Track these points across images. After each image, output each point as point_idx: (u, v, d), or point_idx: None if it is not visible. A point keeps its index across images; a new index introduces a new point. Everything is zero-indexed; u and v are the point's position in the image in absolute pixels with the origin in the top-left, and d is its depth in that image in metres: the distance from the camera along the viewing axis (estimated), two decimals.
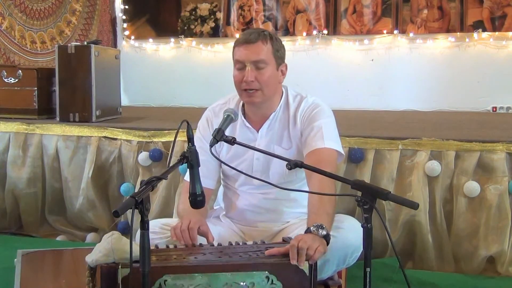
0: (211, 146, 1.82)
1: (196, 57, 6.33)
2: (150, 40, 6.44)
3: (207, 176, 2.15)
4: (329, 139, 2.07)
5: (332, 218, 1.93)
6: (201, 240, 1.97)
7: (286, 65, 2.15)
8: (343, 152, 2.15)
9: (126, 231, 3.10)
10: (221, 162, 2.04)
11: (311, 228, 1.77)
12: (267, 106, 2.14)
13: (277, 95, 2.17)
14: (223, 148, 2.19)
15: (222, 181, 2.36)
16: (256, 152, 2.12)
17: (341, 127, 3.06)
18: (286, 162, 1.71)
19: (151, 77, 6.35)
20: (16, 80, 3.75)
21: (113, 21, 6.46)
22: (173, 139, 2.10)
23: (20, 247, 2.37)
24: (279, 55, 2.10)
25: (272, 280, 1.68)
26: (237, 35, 6.09)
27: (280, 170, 2.12)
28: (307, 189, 2.04)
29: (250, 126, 2.17)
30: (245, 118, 2.18)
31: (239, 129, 2.16)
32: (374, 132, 3.17)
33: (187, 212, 1.98)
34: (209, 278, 1.65)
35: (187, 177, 2.19)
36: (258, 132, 2.17)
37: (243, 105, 2.20)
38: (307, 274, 1.69)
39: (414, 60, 5.74)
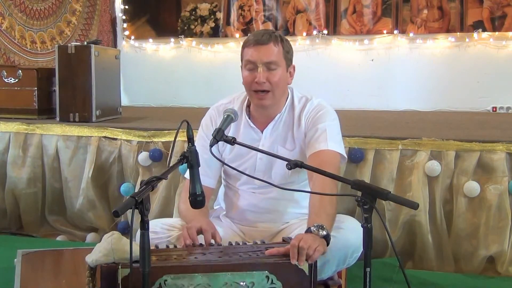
0: (211, 146, 1.83)
1: (196, 57, 6.33)
2: (150, 40, 6.44)
3: (209, 175, 2.15)
4: (332, 142, 2.07)
5: (333, 219, 1.93)
6: (201, 240, 1.97)
7: (294, 66, 2.15)
8: (345, 155, 2.15)
9: (126, 231, 3.10)
10: (222, 162, 2.04)
11: (312, 228, 1.77)
12: (274, 107, 2.14)
13: (283, 97, 2.17)
14: (226, 147, 2.18)
15: (223, 181, 2.36)
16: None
17: (341, 127, 3.08)
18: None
19: (151, 77, 6.35)
20: (16, 80, 3.75)
21: (113, 21, 6.46)
22: (173, 139, 2.10)
23: (20, 247, 2.37)
24: (289, 56, 2.10)
25: (272, 280, 1.68)
26: (237, 35, 6.09)
27: (282, 170, 2.12)
28: (308, 190, 2.04)
29: (254, 126, 2.17)
30: (249, 118, 2.18)
31: (243, 129, 2.16)
32: (374, 132, 3.17)
33: (193, 213, 1.97)
34: (209, 278, 1.65)
35: (187, 175, 2.20)
36: (262, 132, 2.17)
37: (248, 105, 2.20)
38: (307, 274, 1.69)
39: (414, 60, 5.74)
